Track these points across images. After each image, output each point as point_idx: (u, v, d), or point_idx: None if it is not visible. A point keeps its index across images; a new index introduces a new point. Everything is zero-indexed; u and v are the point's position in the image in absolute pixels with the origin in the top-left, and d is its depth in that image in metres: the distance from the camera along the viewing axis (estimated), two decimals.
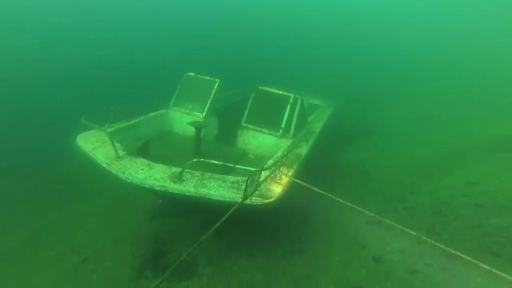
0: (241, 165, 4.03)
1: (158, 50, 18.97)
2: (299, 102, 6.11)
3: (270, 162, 4.66)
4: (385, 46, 24.18)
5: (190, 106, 6.67)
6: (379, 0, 35.57)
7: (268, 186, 3.95)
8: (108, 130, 4.91)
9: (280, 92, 6.17)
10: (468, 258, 2.68)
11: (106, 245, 5.36)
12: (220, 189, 3.75)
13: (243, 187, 3.81)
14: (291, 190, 4.11)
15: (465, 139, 8.29)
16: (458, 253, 2.71)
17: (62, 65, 14.48)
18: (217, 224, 2.54)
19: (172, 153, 5.60)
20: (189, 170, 4.03)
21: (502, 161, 5.97)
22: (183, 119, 6.57)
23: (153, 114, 6.42)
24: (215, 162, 3.77)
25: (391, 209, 5.33)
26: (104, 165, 4.11)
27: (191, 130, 6.44)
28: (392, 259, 3.83)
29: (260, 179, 3.53)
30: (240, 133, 6.15)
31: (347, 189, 6.75)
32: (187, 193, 3.70)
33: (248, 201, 3.40)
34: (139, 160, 4.28)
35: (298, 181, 4.14)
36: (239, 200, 3.51)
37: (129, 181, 3.87)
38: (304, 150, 5.70)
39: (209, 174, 4.08)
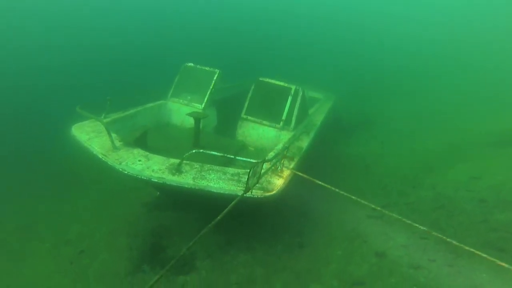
0: (241, 157, 3.91)
1: (157, 40, 18.67)
2: (300, 94, 5.98)
3: (271, 154, 4.55)
4: (385, 40, 23.98)
5: (189, 97, 6.52)
6: None
7: (269, 179, 3.84)
8: (105, 120, 4.76)
9: (281, 83, 6.03)
10: (476, 252, 2.60)
11: (102, 238, 5.25)
12: (220, 181, 3.64)
13: (244, 179, 3.71)
14: (291, 183, 4.02)
15: (466, 134, 8.22)
16: (467, 247, 2.62)
17: (58, 53, 14.19)
18: (218, 218, 2.44)
19: (170, 144, 5.47)
20: (187, 162, 3.91)
21: (505, 156, 5.90)
22: (182, 110, 6.42)
23: (151, 104, 6.27)
24: (215, 153, 3.65)
25: (393, 204, 5.26)
26: (100, 156, 3.98)
27: (190, 122, 6.30)
28: (395, 254, 3.76)
29: (262, 172, 3.42)
30: (240, 125, 6.02)
31: (347, 183, 6.66)
32: (186, 185, 3.59)
33: (249, 194, 3.29)
34: (136, 151, 4.15)
35: (300, 173, 4.03)
36: (240, 193, 3.41)
37: (126, 172, 3.75)
38: (305, 142, 5.59)
39: (208, 166, 3.96)
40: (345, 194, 3.37)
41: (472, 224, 3.85)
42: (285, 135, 5.65)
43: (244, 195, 3.09)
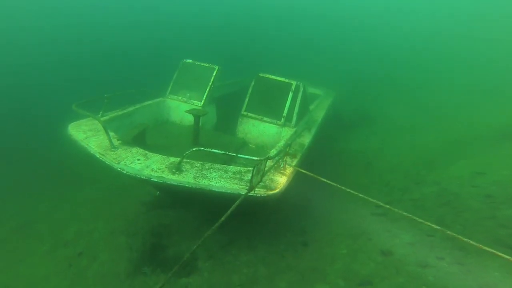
0: (242, 155, 3.81)
1: (154, 36, 18.48)
2: (301, 89, 5.88)
3: (273, 151, 4.45)
4: (384, 35, 23.85)
5: (188, 94, 6.40)
6: None
7: (272, 177, 3.75)
8: (102, 119, 4.66)
9: (282, 79, 5.92)
10: (488, 249, 2.51)
11: (102, 238, 5.16)
12: (221, 180, 3.54)
13: (246, 177, 3.62)
14: (293, 180, 3.93)
15: (468, 128, 8.14)
16: (477, 244, 2.53)
17: (54, 50, 14.02)
18: (222, 219, 2.34)
19: (169, 142, 5.36)
20: (188, 160, 3.81)
21: (509, 150, 5.83)
22: (181, 107, 6.31)
23: (149, 102, 6.15)
24: (216, 151, 3.54)
25: (397, 200, 5.18)
26: (98, 156, 3.86)
27: (189, 119, 6.20)
28: (402, 252, 3.67)
29: (265, 169, 3.32)
30: (240, 122, 5.91)
31: (349, 179, 6.60)
32: (187, 185, 3.49)
33: (252, 193, 3.20)
34: (135, 150, 4.03)
35: (303, 170, 3.93)
36: (242, 192, 3.33)
37: (125, 172, 3.64)
38: (307, 139, 5.49)
39: (209, 164, 3.86)
40: (348, 190, 3.27)
41: (479, 220, 3.77)
42: (286, 132, 5.55)
43: (248, 194, 3.00)
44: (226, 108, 7.03)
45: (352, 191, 3.08)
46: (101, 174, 6.81)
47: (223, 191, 3.46)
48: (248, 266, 4.18)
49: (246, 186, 3.40)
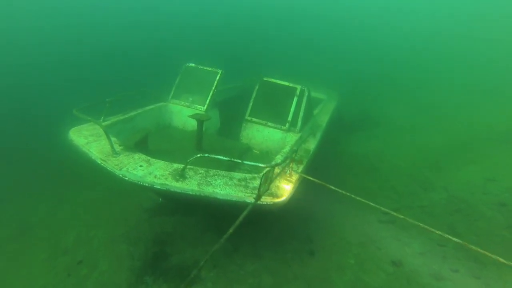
0: (246, 161, 3.70)
1: (155, 36, 18.46)
2: (306, 94, 5.78)
3: (279, 157, 4.34)
4: (384, 35, 23.82)
5: (191, 99, 6.30)
6: None
7: (278, 184, 3.63)
8: (103, 124, 4.56)
9: (286, 83, 5.82)
10: (505, 261, 2.39)
11: (102, 245, 5.02)
12: (226, 187, 3.42)
13: (251, 184, 3.51)
14: (299, 187, 3.81)
15: (473, 130, 8.02)
16: (495, 256, 2.40)
17: (56, 50, 13.99)
18: (230, 231, 2.23)
19: (172, 147, 5.25)
20: (191, 167, 3.70)
21: None
22: (183, 112, 6.21)
23: (151, 106, 6.05)
24: (221, 157, 3.43)
25: (405, 207, 5.05)
26: (99, 162, 3.75)
27: (192, 124, 6.10)
28: (413, 263, 3.54)
29: (273, 177, 3.21)
30: (244, 127, 5.81)
31: (354, 185, 6.48)
32: (191, 192, 3.37)
33: (259, 201, 3.09)
34: (137, 156, 3.93)
35: (310, 178, 3.81)
36: (248, 199, 3.22)
37: (127, 179, 3.53)
38: (312, 145, 5.38)
39: (214, 170, 3.74)
40: (355, 197, 3.16)
41: (494, 229, 3.64)
42: (291, 137, 5.44)
43: (257, 202, 2.89)
44: (229, 113, 6.93)
45: (360, 199, 2.96)
46: (102, 177, 6.67)
47: (228, 198, 3.34)
48: (254, 276, 4.04)
49: (252, 193, 3.29)
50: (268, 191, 3.35)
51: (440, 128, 8.92)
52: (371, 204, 2.93)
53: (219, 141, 5.73)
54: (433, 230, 2.47)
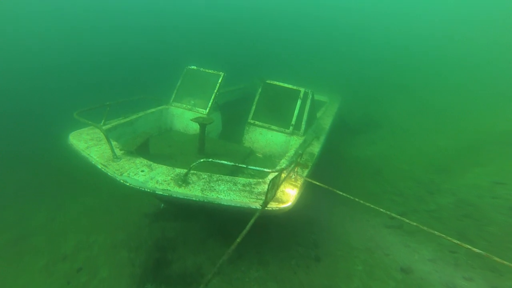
0: (249, 165, 3.60)
1: (157, 43, 18.44)
2: (310, 96, 5.70)
3: (283, 161, 4.25)
4: (385, 38, 23.81)
5: (192, 102, 6.22)
6: None
7: (283, 189, 3.53)
8: (104, 127, 4.48)
9: (290, 86, 5.74)
10: None
11: (102, 252, 4.91)
12: (230, 192, 3.32)
13: (256, 190, 3.41)
14: (304, 191, 3.72)
15: (478, 133, 7.92)
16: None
17: (57, 56, 13.95)
18: (238, 240, 2.13)
19: (174, 151, 5.15)
20: (194, 172, 3.60)
21: None
22: (185, 115, 6.13)
23: (152, 110, 5.96)
24: (226, 162, 3.33)
25: (411, 211, 4.95)
26: (100, 167, 3.66)
27: (193, 127, 6.02)
28: (423, 270, 3.43)
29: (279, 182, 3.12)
30: (247, 130, 5.72)
31: (359, 189, 6.38)
32: (194, 198, 3.27)
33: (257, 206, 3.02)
34: (138, 161, 3.83)
35: (316, 182, 3.71)
36: (252, 206, 3.13)
37: (128, 184, 3.42)
38: (316, 148, 5.29)
39: (217, 175, 3.64)
40: (364, 202, 3.05)
41: (507, 235, 3.53)
42: (295, 141, 5.35)
43: (264, 209, 2.80)
44: (232, 116, 6.85)
45: (367, 204, 2.85)
46: (102, 182, 6.59)
47: (233, 205, 3.24)
48: (258, 283, 3.93)
49: (257, 199, 3.20)
50: (274, 197, 3.25)
51: (445, 131, 8.83)
52: (379, 209, 2.83)
53: (222, 145, 5.64)
54: (444, 236, 2.37)
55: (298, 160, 3.83)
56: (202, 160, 3.32)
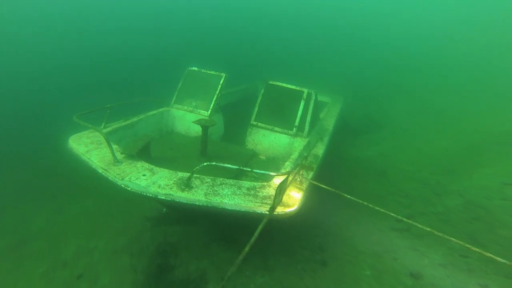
0: (252, 167, 3.50)
1: (156, 44, 18.37)
2: (313, 97, 5.60)
3: (288, 164, 4.15)
4: (385, 38, 23.72)
5: (194, 103, 6.12)
6: None
7: (289, 193, 3.43)
8: (104, 130, 4.39)
9: (293, 86, 5.65)
10: None
11: (103, 257, 4.81)
12: (235, 197, 3.22)
13: (261, 193, 3.31)
14: (309, 193, 3.62)
15: (482, 133, 7.82)
16: None
17: (56, 58, 13.89)
18: (246, 249, 2.03)
19: (175, 154, 5.06)
20: (197, 175, 3.50)
21: None
22: (186, 117, 6.04)
23: (153, 112, 5.87)
24: (230, 166, 3.24)
25: (419, 214, 4.85)
26: (100, 171, 3.56)
27: (195, 129, 5.93)
28: (434, 275, 3.33)
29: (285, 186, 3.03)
30: (250, 132, 5.62)
31: (364, 190, 6.28)
32: (197, 203, 3.18)
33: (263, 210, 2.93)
34: (139, 164, 3.73)
35: (321, 185, 3.61)
36: (258, 210, 3.04)
37: (129, 189, 3.33)
38: (320, 150, 5.19)
39: (221, 179, 3.55)
40: (370, 205, 2.95)
41: None
42: (299, 142, 5.26)
43: (264, 212, 2.71)
44: (234, 117, 6.76)
45: (374, 207, 2.75)
46: (103, 185, 6.49)
47: (237, 209, 3.15)
48: None
49: (262, 203, 3.10)
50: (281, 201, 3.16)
51: (447, 131, 8.73)
52: (389, 213, 2.73)
53: (224, 147, 5.55)
54: (457, 241, 2.26)
55: (303, 162, 3.74)
56: (205, 163, 3.22)
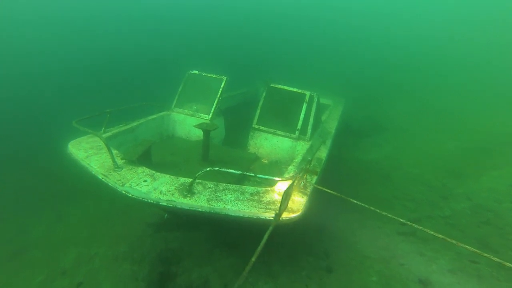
0: (254, 171, 3.42)
1: (155, 48, 18.37)
2: (316, 100, 5.53)
3: (291, 168, 4.07)
4: (385, 38, 23.71)
5: (195, 107, 6.06)
6: None
7: (293, 197, 3.35)
8: (104, 135, 4.32)
9: (295, 89, 5.58)
10: None
11: (103, 265, 4.71)
12: (238, 202, 3.14)
13: (264, 199, 3.23)
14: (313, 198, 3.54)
15: (487, 134, 7.74)
16: None
17: (53, 60, 13.87)
18: (252, 260, 1.95)
19: (176, 159, 4.98)
20: (199, 181, 3.42)
21: None
22: (187, 121, 5.97)
23: (153, 116, 5.80)
24: (233, 171, 3.16)
25: (425, 218, 4.75)
26: (100, 177, 3.49)
27: (196, 133, 5.85)
28: (443, 282, 3.23)
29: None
30: (251, 136, 5.55)
31: (368, 194, 6.18)
32: (200, 209, 3.09)
33: (270, 217, 2.84)
34: (140, 170, 3.66)
35: (326, 189, 3.52)
36: (261, 216, 2.96)
37: (130, 195, 3.25)
38: (323, 153, 5.11)
39: (224, 184, 3.47)
40: (377, 210, 2.85)
41: None
42: (302, 146, 5.17)
43: (269, 217, 2.63)
44: (235, 121, 6.69)
45: (384, 213, 2.66)
46: (103, 191, 6.41)
47: (241, 215, 3.06)
48: None
49: (266, 208, 3.03)
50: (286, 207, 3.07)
51: (451, 133, 8.64)
52: (398, 219, 2.63)
53: (226, 151, 5.47)
54: (451, 240, 2.16)
55: (307, 166, 3.66)
56: (208, 169, 3.14)
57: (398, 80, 16.28)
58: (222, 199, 3.17)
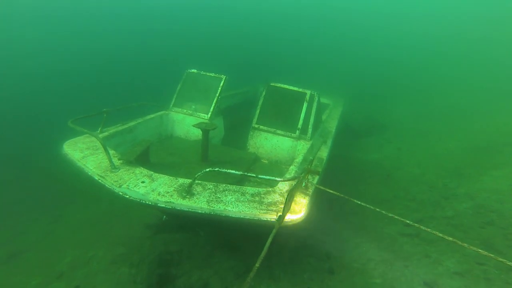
0: (255, 172, 3.33)
1: (154, 46, 18.26)
2: (316, 99, 5.45)
3: (292, 168, 3.99)
4: (385, 39, 23.69)
5: (193, 106, 5.96)
6: None
7: (295, 198, 3.26)
8: (101, 135, 4.22)
9: (295, 88, 5.49)
10: None
11: (101, 268, 4.62)
12: (239, 204, 3.06)
13: (266, 200, 3.15)
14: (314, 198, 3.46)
15: (489, 134, 7.68)
16: None
17: (57, 59, 13.76)
18: (257, 265, 1.85)
19: (175, 159, 4.89)
20: (199, 181, 3.33)
21: None
22: (186, 120, 5.87)
23: (151, 116, 5.70)
24: (233, 171, 3.07)
25: (428, 218, 4.68)
26: (97, 178, 3.39)
27: (195, 133, 5.76)
28: (451, 285, 3.15)
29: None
30: (251, 135, 5.46)
31: (370, 194, 6.11)
32: (200, 211, 3.00)
33: (271, 218, 2.77)
34: (138, 171, 3.56)
35: (328, 189, 3.44)
36: (263, 217, 2.88)
37: (128, 197, 3.16)
38: (324, 153, 5.04)
39: (224, 185, 3.38)
40: (383, 212, 2.78)
41: None
42: (302, 145, 5.09)
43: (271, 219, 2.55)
44: (234, 120, 6.60)
45: (388, 213, 2.58)
46: (100, 192, 6.30)
47: (242, 217, 2.98)
48: None
49: (267, 210, 2.95)
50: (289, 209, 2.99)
51: (454, 133, 8.58)
52: (404, 220, 2.55)
53: (225, 151, 5.38)
54: (457, 241, 2.09)
55: (309, 166, 3.58)
56: (208, 169, 3.05)
57: (398, 79, 16.24)
58: (222, 200, 3.09)
